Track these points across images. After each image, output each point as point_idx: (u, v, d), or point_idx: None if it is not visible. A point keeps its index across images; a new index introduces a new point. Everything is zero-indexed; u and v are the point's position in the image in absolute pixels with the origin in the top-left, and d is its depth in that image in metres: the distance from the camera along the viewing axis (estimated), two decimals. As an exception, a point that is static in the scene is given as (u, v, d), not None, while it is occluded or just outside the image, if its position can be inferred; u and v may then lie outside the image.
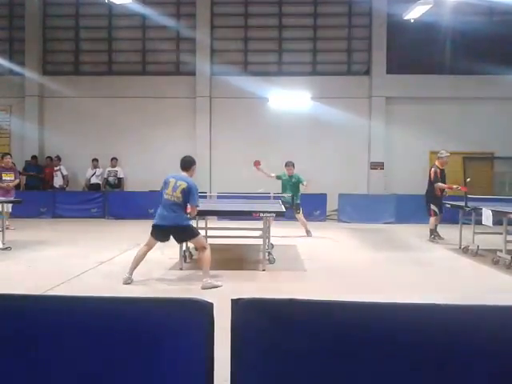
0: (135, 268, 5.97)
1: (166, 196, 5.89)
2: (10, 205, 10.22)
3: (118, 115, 15.25)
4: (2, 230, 8.62)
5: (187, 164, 6.13)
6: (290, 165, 10.65)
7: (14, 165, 11.91)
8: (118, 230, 11.30)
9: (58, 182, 14.63)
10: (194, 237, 6.05)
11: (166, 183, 5.96)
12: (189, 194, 5.83)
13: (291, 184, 10.50)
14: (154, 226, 6.00)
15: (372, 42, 15.15)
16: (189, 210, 5.94)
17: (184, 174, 6.05)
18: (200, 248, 6.08)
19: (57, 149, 15.08)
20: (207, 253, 5.96)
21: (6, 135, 15.81)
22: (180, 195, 5.82)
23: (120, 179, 14.85)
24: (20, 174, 14.01)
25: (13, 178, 10.81)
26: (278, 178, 10.68)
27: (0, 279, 6.04)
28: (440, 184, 9.77)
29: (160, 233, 5.97)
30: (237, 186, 12.19)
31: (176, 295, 1.76)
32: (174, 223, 5.86)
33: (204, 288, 5.64)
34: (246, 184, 12.49)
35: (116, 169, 14.86)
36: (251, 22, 15.50)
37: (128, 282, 5.87)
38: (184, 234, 6.02)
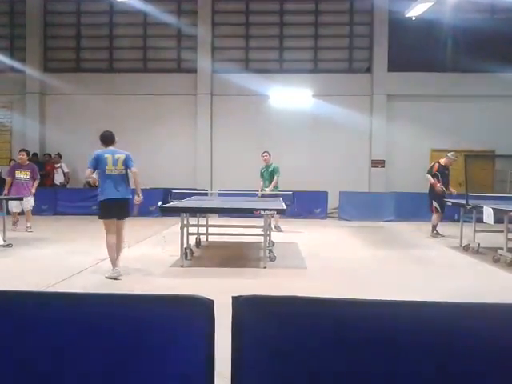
0: (116, 258, 6.11)
1: (108, 172, 6.01)
2: (30, 204, 10.13)
3: (118, 112, 15.23)
4: (4, 228, 8.65)
5: (111, 138, 6.35)
6: (265, 154, 10.51)
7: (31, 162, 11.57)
8: (118, 228, 11.26)
9: (58, 179, 14.64)
10: (128, 215, 6.31)
11: (99, 160, 6.04)
12: (127, 161, 6.11)
13: (268, 173, 10.42)
14: (103, 203, 6.08)
15: (373, 39, 15.14)
16: (134, 174, 6.14)
17: (111, 148, 6.24)
18: (122, 230, 6.34)
19: (57, 146, 15.09)
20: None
21: (7, 132, 15.83)
22: (122, 167, 6.07)
23: None
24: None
25: (28, 176, 10.38)
26: (261, 173, 10.66)
27: (1, 276, 6.04)
28: (428, 176, 10.23)
29: (112, 208, 6.04)
30: (237, 184, 12.19)
31: (177, 292, 1.76)
32: (124, 196, 6.09)
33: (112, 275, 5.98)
34: (246, 181, 12.50)
35: None
36: (252, 20, 15.49)
37: (119, 274, 5.96)
38: (127, 208, 6.23)
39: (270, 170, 10.37)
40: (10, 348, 1.71)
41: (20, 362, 1.71)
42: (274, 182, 10.31)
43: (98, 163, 6.05)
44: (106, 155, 6.05)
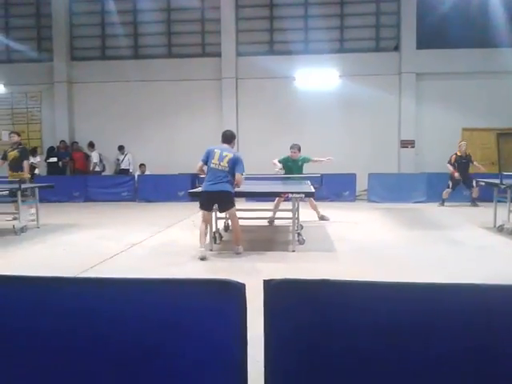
0: (205, 241, 6.35)
1: (212, 165, 6.31)
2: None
3: (144, 99, 15.37)
4: (37, 215, 8.89)
5: (229, 138, 6.64)
6: (295, 148, 9.70)
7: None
8: (148, 213, 11.44)
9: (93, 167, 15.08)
10: (232, 206, 6.49)
11: (209, 153, 6.36)
12: (235, 163, 6.31)
13: (298, 167, 9.73)
14: (201, 193, 6.45)
15: (401, 16, 14.75)
16: (237, 178, 6.37)
17: (226, 146, 6.52)
18: (233, 216, 6.57)
19: (86, 134, 15.35)
20: (238, 223, 6.62)
21: (37, 121, 16.14)
22: (226, 165, 6.28)
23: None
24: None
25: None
26: (284, 163, 9.70)
27: (35, 262, 6.19)
28: (447, 165, 12.03)
29: (207, 199, 6.36)
30: (264, 168, 12.14)
31: (207, 276, 1.75)
32: (221, 189, 6.27)
33: (237, 253, 6.40)
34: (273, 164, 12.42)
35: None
36: (276, 1, 15.27)
37: (203, 255, 6.18)
38: (228, 200, 6.40)
39: (299, 163, 9.70)
40: (47, 334, 1.74)
41: (57, 348, 1.74)
42: (318, 161, 9.91)
43: (207, 157, 6.37)
44: (215, 150, 6.38)
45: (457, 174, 11.75)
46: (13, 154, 9.83)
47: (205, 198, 6.38)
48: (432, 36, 14.45)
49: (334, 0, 15.13)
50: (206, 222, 6.50)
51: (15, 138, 10.02)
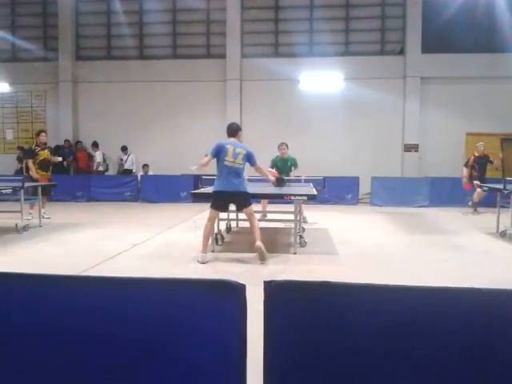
0: (207, 245, 6.20)
1: (226, 163, 6.04)
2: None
3: (148, 99, 15.40)
4: (40, 214, 8.96)
5: (235, 130, 6.35)
6: (284, 145, 9.68)
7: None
8: (150, 213, 11.46)
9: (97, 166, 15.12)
10: (250, 204, 6.31)
11: (222, 149, 6.06)
12: (250, 158, 6.18)
13: (287, 168, 9.62)
14: (215, 193, 6.14)
15: (406, 20, 14.75)
16: (272, 175, 6.47)
17: (233, 140, 6.25)
18: (251, 215, 6.31)
19: (90, 133, 15.38)
20: (256, 220, 6.36)
21: (42, 120, 16.18)
22: (241, 162, 6.09)
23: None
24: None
25: None
26: (274, 163, 9.71)
27: (37, 260, 6.21)
28: (463, 168, 11.59)
29: (222, 200, 6.14)
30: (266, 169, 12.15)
31: (208, 277, 1.75)
32: (238, 189, 6.08)
33: (258, 248, 6.02)
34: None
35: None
36: (282, 3, 15.29)
37: (205, 260, 6.05)
38: (245, 199, 6.21)
39: (288, 163, 9.66)
40: (47, 332, 1.74)
41: (58, 346, 1.74)
42: (298, 172, 9.63)
43: (218, 152, 6.07)
44: (227, 146, 6.09)
45: (475, 174, 11.33)
46: (44, 153, 9.93)
47: (220, 198, 6.13)
48: (437, 40, 14.44)
49: (339, 3, 15.13)
50: (213, 222, 6.31)
51: (45, 138, 10.08)
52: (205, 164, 6.09)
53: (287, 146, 9.77)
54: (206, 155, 6.10)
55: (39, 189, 9.72)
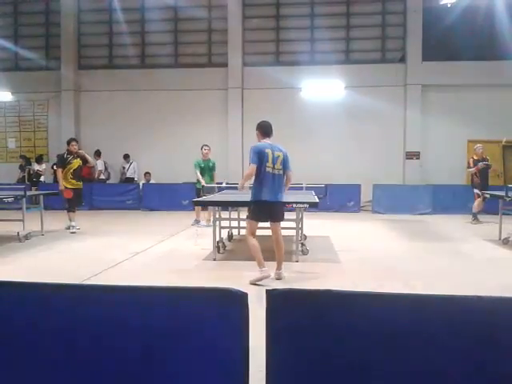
0: (261, 258, 5.54)
1: (268, 169, 5.36)
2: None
3: (150, 108, 15.44)
4: (41, 222, 8.96)
5: (271, 129, 5.66)
6: (207, 148, 10.14)
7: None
8: (152, 222, 11.47)
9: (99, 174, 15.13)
10: (283, 218, 5.76)
11: (261, 154, 5.35)
12: (286, 162, 5.55)
13: (210, 168, 10.23)
14: (260, 203, 5.44)
15: (407, 28, 14.81)
16: (289, 180, 5.65)
17: (268, 141, 5.57)
18: (279, 232, 5.72)
19: (92, 142, 15.40)
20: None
21: (44, 129, 16.23)
22: (281, 167, 5.47)
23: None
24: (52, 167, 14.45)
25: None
26: (200, 167, 10.21)
27: (39, 268, 6.20)
28: (468, 170, 11.34)
29: (266, 210, 5.45)
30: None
31: (210, 285, 1.75)
32: (281, 199, 5.54)
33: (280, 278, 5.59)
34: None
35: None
36: (283, 12, 15.37)
37: (271, 275, 5.52)
38: (282, 212, 5.71)
39: (211, 164, 10.29)
40: (49, 341, 1.74)
41: (59, 354, 1.74)
42: (215, 178, 10.37)
43: (260, 158, 5.33)
44: (266, 149, 5.37)
45: (476, 179, 10.97)
46: (77, 162, 9.66)
47: (265, 209, 5.45)
48: (438, 48, 14.49)
49: (340, 11, 15.21)
50: (254, 234, 5.62)
51: (76, 147, 9.77)
52: (251, 175, 5.44)
53: (210, 148, 10.34)
54: (252, 163, 5.36)
55: (41, 197, 9.76)
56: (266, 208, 5.44)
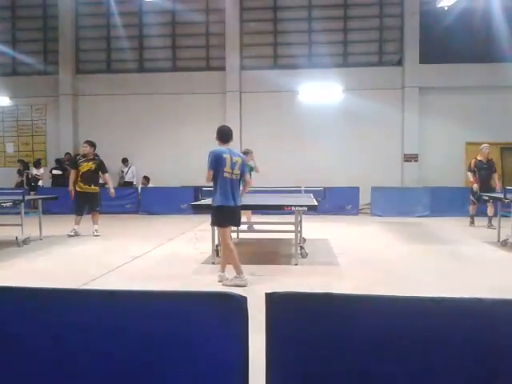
0: (238, 265, 5.57)
1: (226, 174, 5.41)
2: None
3: (148, 112, 15.46)
4: (40, 226, 8.92)
5: (231, 135, 5.69)
6: (251, 152, 10.01)
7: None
8: (151, 225, 11.45)
9: None
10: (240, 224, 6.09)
11: (218, 159, 5.39)
12: (244, 167, 5.67)
13: (250, 172, 9.92)
14: (221, 208, 5.46)
15: (404, 31, 14.86)
16: (249, 184, 5.78)
17: (228, 146, 5.60)
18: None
19: (91, 146, 15.37)
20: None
21: (42, 133, 16.23)
22: (238, 172, 5.55)
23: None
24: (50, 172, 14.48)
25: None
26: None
27: (38, 274, 6.18)
28: (468, 173, 10.84)
29: (232, 214, 5.56)
30: (267, 181, 12.17)
31: (209, 289, 1.74)
32: (238, 203, 5.59)
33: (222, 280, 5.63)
34: (276, 178, 12.49)
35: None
36: (280, 15, 15.42)
37: (244, 279, 5.51)
38: (240, 217, 5.86)
39: (249, 167, 9.94)
40: (49, 344, 1.73)
41: (58, 358, 1.73)
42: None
43: (218, 162, 5.39)
44: (224, 155, 5.41)
45: (475, 186, 10.39)
46: (87, 165, 9.42)
47: (229, 214, 5.51)
48: (435, 50, 14.54)
49: (337, 15, 15.26)
50: (231, 238, 5.72)
51: (86, 149, 9.46)
52: (209, 179, 5.51)
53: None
54: (209, 169, 5.45)
55: (39, 202, 9.73)
56: (227, 213, 5.51)
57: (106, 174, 9.78)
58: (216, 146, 5.63)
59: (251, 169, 10.08)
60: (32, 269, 6.57)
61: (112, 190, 9.85)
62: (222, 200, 5.44)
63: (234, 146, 15.45)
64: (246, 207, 8.26)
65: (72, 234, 9.30)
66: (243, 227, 8.63)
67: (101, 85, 15.54)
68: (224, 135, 5.63)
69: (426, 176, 14.56)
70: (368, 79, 14.63)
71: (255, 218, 9.89)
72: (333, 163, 14.48)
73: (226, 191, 5.44)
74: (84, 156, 9.51)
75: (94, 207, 9.67)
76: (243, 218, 8.32)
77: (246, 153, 9.91)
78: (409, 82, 14.67)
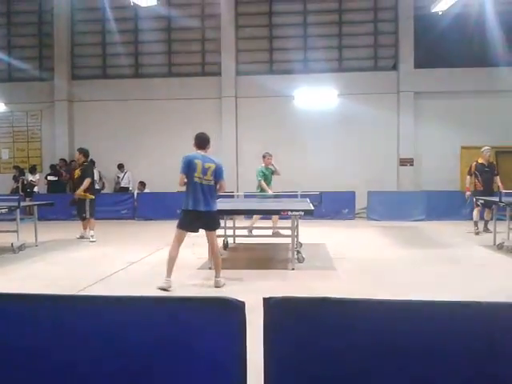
0: (172, 270, 5.69)
1: (196, 179, 5.59)
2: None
3: (144, 117, 15.44)
4: (35, 232, 8.90)
5: (206, 142, 5.92)
6: (271, 156, 9.98)
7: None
8: (147, 231, 11.42)
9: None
10: (219, 226, 6.04)
11: (190, 164, 5.60)
12: (219, 173, 5.70)
13: (271, 174, 10.06)
14: (186, 212, 5.64)
15: (399, 36, 14.92)
16: (222, 188, 5.81)
17: (202, 152, 5.78)
18: (214, 240, 5.91)
19: (86, 152, 15.35)
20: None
21: (38, 139, 16.19)
22: (211, 178, 5.64)
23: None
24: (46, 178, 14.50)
25: None
26: (266, 176, 9.96)
27: (34, 280, 6.16)
28: (467, 178, 10.43)
29: (193, 219, 5.64)
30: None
31: (207, 294, 1.74)
32: (209, 209, 5.63)
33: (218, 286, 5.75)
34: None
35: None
36: (276, 21, 15.47)
37: (168, 286, 5.59)
38: (215, 220, 5.87)
39: (270, 170, 10.04)
40: (46, 350, 1.72)
41: (55, 365, 1.72)
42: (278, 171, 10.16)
43: (188, 167, 5.61)
44: (196, 160, 5.61)
45: (468, 193, 10.23)
46: (77, 172, 9.92)
47: (190, 218, 5.64)
48: (430, 55, 14.60)
49: (332, 20, 15.32)
50: (180, 243, 5.78)
51: (77, 156, 10.11)
52: (182, 183, 5.71)
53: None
54: (181, 173, 5.68)
55: (35, 208, 9.72)
56: (193, 217, 5.63)
57: (86, 179, 9.68)
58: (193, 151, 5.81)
59: (272, 172, 10.05)
60: (28, 275, 6.55)
61: (77, 192, 9.75)
62: (190, 204, 5.63)
63: (230, 150, 15.54)
64: (242, 212, 8.29)
65: (78, 236, 9.83)
66: (243, 232, 8.69)
67: (96, 90, 15.52)
68: (201, 141, 5.87)
69: (421, 180, 14.61)
70: (363, 84, 14.68)
71: (250, 224, 9.86)
72: (328, 167, 14.50)
73: (195, 196, 5.60)
74: (77, 163, 10.06)
75: (80, 213, 9.90)
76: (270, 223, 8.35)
77: (264, 156, 9.99)
78: (404, 87, 14.73)
